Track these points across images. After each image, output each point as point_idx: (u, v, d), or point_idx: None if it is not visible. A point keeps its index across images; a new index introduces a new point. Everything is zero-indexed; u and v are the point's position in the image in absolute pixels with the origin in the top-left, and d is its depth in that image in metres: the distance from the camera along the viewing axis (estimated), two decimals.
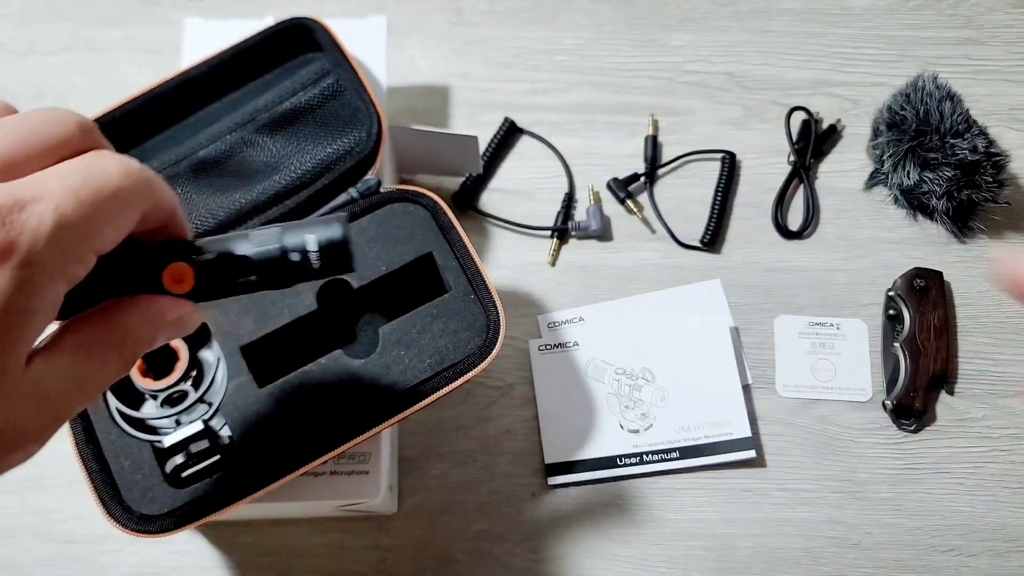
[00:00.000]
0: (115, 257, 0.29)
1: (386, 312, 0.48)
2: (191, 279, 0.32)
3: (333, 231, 0.33)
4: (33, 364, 0.27)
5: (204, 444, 0.44)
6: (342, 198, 0.50)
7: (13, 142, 0.28)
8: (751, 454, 0.55)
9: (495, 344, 0.46)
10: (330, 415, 0.45)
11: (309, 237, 0.33)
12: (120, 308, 0.30)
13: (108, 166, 0.28)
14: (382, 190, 0.50)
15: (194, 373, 0.46)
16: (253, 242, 0.33)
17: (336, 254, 0.33)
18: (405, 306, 0.47)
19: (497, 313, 0.46)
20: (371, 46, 0.58)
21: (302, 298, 0.48)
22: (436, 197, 0.49)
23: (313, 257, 0.33)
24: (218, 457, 0.44)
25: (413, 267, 0.47)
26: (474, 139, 0.57)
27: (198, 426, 0.44)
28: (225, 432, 0.45)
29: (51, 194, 0.26)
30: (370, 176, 0.50)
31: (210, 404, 0.45)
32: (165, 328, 0.31)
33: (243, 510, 0.45)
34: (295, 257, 0.33)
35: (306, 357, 0.46)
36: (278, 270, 0.33)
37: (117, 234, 0.28)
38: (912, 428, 0.57)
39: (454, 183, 0.64)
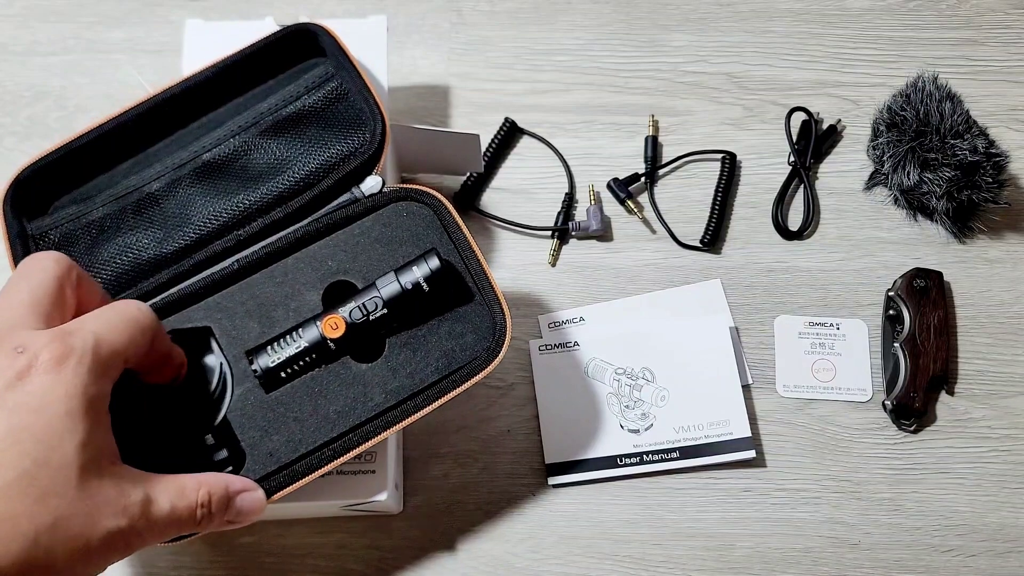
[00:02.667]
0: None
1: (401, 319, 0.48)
2: (343, 324, 0.45)
3: (432, 263, 0.45)
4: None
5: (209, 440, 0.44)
6: (345, 198, 0.50)
7: (43, 298, 0.38)
8: (751, 454, 0.56)
9: (501, 346, 0.45)
10: (338, 420, 0.45)
11: (418, 272, 0.45)
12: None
13: (127, 305, 0.40)
14: (385, 189, 0.50)
15: (197, 378, 0.46)
16: (380, 288, 0.45)
17: (439, 277, 0.45)
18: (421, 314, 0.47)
19: (503, 315, 0.46)
20: (371, 46, 0.58)
21: (306, 299, 0.48)
22: (440, 196, 0.49)
23: (423, 284, 0.45)
24: (226, 453, 0.44)
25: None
26: (476, 137, 0.57)
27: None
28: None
29: (88, 324, 0.37)
30: (374, 176, 0.50)
31: (217, 409, 0.45)
32: (236, 504, 0.41)
33: None
34: (411, 288, 0.45)
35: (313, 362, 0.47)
36: (401, 301, 0.45)
37: (137, 352, 0.39)
38: (912, 428, 0.57)
39: (454, 183, 0.64)
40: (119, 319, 0.38)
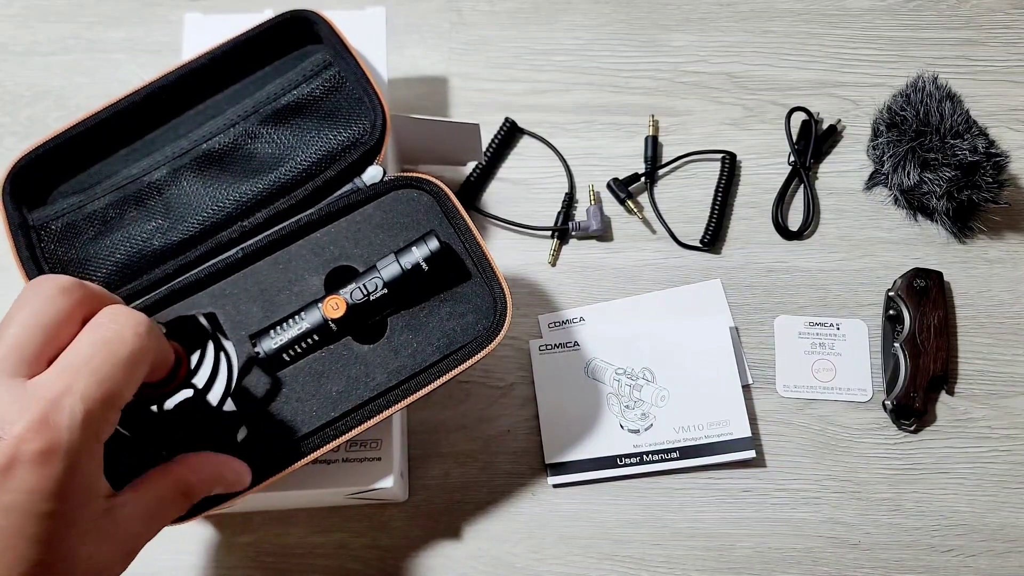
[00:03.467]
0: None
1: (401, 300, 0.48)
2: (344, 305, 0.45)
3: (432, 244, 0.46)
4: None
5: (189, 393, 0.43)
6: (346, 188, 0.50)
7: (31, 339, 0.33)
8: (751, 454, 0.55)
9: (502, 325, 0.46)
10: (340, 400, 0.45)
11: (418, 253, 0.46)
12: (187, 463, 0.39)
13: (122, 332, 0.33)
14: (386, 178, 0.50)
15: (193, 366, 0.46)
16: (381, 269, 0.46)
17: (438, 258, 0.46)
18: (421, 294, 0.48)
19: (504, 294, 0.46)
20: (370, 38, 0.57)
21: (309, 284, 0.48)
22: (440, 183, 0.49)
23: (423, 264, 0.46)
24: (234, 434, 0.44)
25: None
26: (476, 127, 0.58)
27: (188, 392, 0.43)
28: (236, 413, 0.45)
29: (76, 383, 0.32)
30: (375, 167, 0.51)
31: (219, 393, 0.45)
32: (221, 484, 0.40)
33: (256, 499, 0.45)
34: (410, 269, 0.46)
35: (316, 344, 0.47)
36: (401, 282, 0.46)
37: (135, 387, 0.34)
38: (912, 428, 0.57)
39: (454, 183, 0.64)
40: (113, 362, 0.33)
